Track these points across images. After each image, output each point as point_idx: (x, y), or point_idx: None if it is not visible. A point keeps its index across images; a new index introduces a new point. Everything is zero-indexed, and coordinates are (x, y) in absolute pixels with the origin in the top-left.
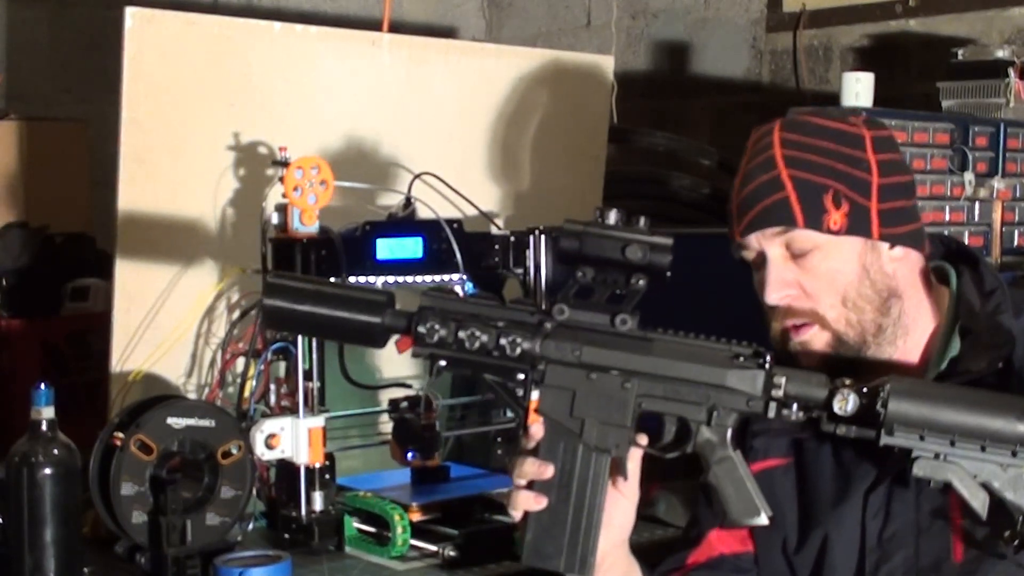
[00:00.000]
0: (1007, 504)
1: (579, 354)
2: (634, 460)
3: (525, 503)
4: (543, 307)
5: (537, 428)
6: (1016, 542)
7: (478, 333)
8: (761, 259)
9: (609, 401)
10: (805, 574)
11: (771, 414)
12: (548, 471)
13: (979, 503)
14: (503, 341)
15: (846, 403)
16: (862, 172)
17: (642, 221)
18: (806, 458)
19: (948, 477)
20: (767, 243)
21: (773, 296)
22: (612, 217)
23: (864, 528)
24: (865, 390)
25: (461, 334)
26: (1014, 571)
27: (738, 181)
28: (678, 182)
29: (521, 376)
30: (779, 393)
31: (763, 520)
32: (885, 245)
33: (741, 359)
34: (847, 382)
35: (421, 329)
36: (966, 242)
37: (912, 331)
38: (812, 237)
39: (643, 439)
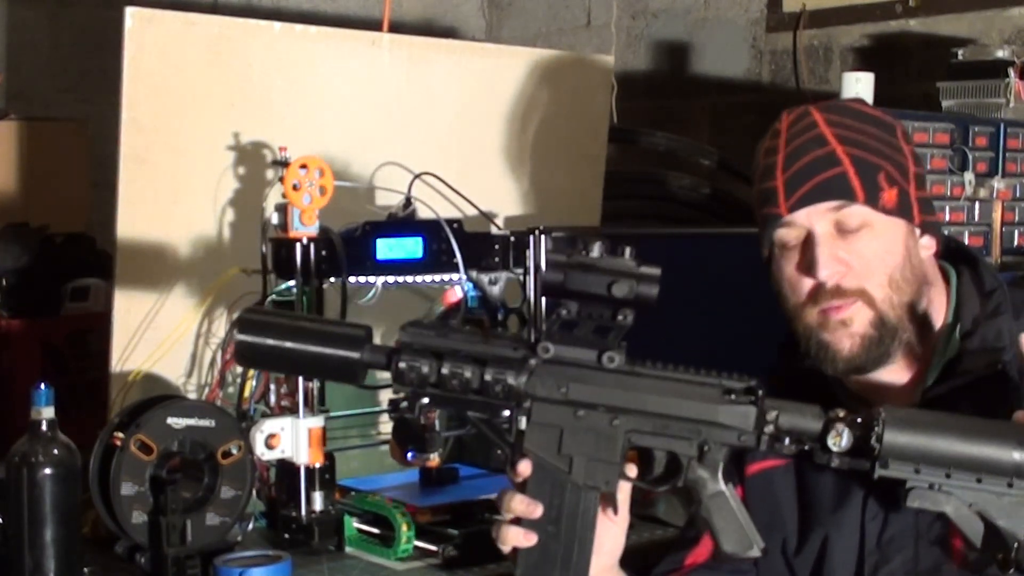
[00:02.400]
0: (1001, 531)
1: (566, 391)
2: (623, 492)
3: (514, 539)
4: (528, 339)
5: (525, 465)
6: (1011, 569)
7: (461, 370)
8: (805, 238)
9: (598, 438)
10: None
11: (763, 447)
12: (537, 510)
13: (974, 532)
14: (487, 378)
15: (840, 439)
16: (901, 158)
17: (628, 252)
18: (804, 466)
19: (943, 508)
20: (818, 219)
21: (824, 272)
22: (596, 249)
23: (863, 530)
24: (859, 421)
25: (443, 371)
26: None
27: (780, 158)
28: (678, 182)
29: (506, 413)
30: (771, 428)
31: (756, 553)
32: (919, 232)
33: (732, 396)
34: (841, 414)
35: (401, 366)
36: (966, 242)
37: (936, 322)
38: (866, 214)
39: (632, 471)
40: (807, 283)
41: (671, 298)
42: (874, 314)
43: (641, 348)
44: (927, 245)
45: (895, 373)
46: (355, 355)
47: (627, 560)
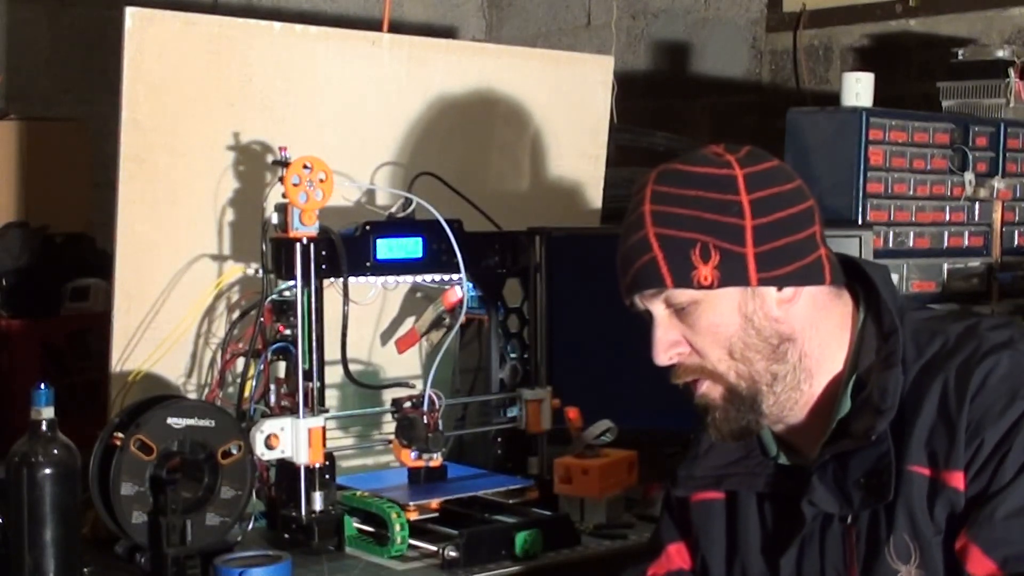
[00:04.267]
0: None
1: None
2: None
3: None
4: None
5: None
6: None
7: None
8: (650, 317)
9: None
10: None
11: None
12: None
13: None
14: None
15: None
16: (732, 217)
17: None
18: (737, 501)
19: None
20: (648, 303)
21: (662, 357)
22: None
23: None
24: None
25: None
26: None
27: (621, 236)
28: None
29: None
30: None
31: None
32: (771, 289)
33: None
34: None
35: None
36: (966, 243)
37: (817, 373)
38: (686, 295)
39: None
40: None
41: None
42: (723, 389)
43: (640, 347)
44: (787, 298)
45: (798, 417)
46: None
47: (627, 561)
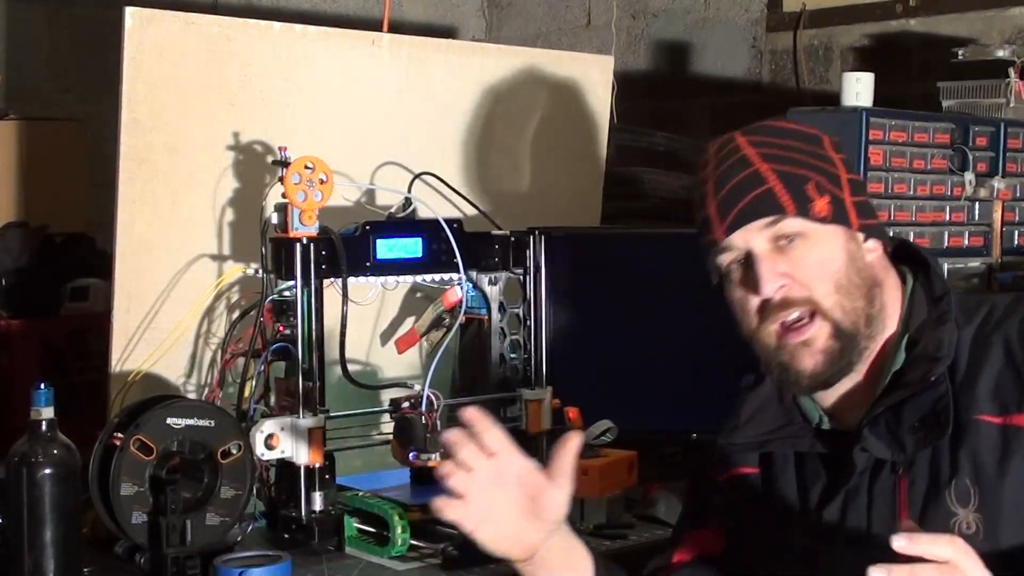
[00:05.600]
0: None
1: None
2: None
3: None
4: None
5: None
6: None
7: None
8: (744, 260)
9: None
10: None
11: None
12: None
13: None
14: None
15: None
16: (830, 167)
17: None
18: (773, 470)
19: None
20: (753, 238)
21: (768, 288)
22: None
23: (817, 542)
24: None
25: None
26: None
27: (709, 187)
28: (678, 182)
29: None
30: None
31: None
32: (861, 236)
33: None
34: None
35: None
36: (966, 243)
37: (888, 326)
38: (800, 225)
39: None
40: (755, 301)
41: (671, 297)
42: (831, 326)
43: (640, 347)
44: (872, 248)
45: (852, 380)
46: None
47: (627, 561)
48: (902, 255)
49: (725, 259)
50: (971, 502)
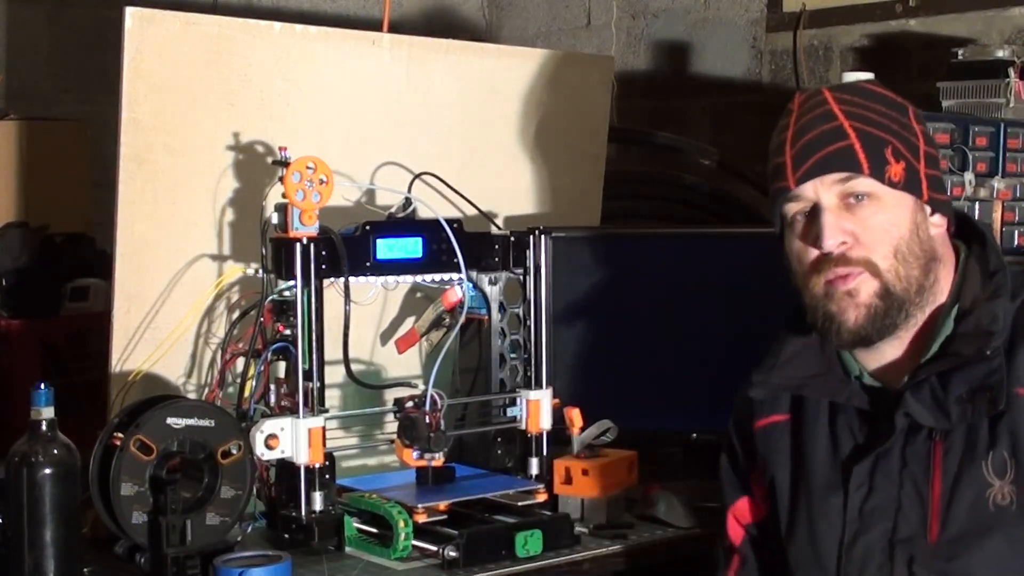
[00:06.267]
0: None
1: None
2: None
3: None
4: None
5: None
6: None
7: None
8: (812, 211)
9: None
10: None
11: None
12: None
13: None
14: None
15: None
16: (911, 136)
17: None
18: (804, 417)
19: None
20: (824, 191)
21: (830, 242)
22: None
23: (847, 500)
24: None
25: None
26: (985, 559)
27: (789, 134)
28: (677, 182)
29: None
30: None
31: None
32: (928, 209)
33: None
34: None
35: None
36: None
37: (939, 299)
38: (872, 186)
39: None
40: (813, 254)
41: (671, 298)
42: (879, 285)
43: (643, 347)
44: (937, 223)
45: (895, 346)
46: None
47: (628, 560)
48: (960, 228)
49: (792, 208)
50: (1007, 474)
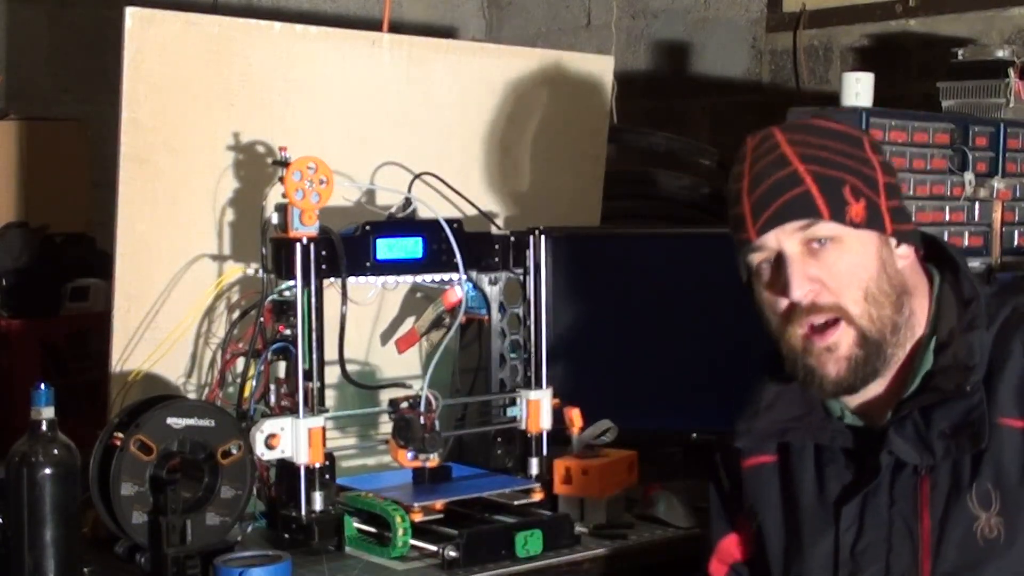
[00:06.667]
0: None
1: None
2: None
3: None
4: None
5: None
6: None
7: None
8: (775, 260)
9: None
10: None
11: None
12: None
13: None
14: None
15: None
16: (868, 170)
17: None
18: (790, 461)
19: None
20: (786, 239)
21: (797, 292)
22: None
23: (838, 541)
24: None
25: None
26: None
27: (745, 183)
28: (677, 182)
29: None
30: None
31: None
32: (894, 242)
33: None
34: None
35: None
36: (966, 243)
37: (916, 331)
38: (834, 229)
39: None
40: (783, 303)
41: (671, 298)
42: (856, 333)
43: (640, 347)
44: (904, 255)
45: (877, 383)
46: None
47: (628, 561)
48: (932, 254)
49: (756, 258)
50: (993, 506)
